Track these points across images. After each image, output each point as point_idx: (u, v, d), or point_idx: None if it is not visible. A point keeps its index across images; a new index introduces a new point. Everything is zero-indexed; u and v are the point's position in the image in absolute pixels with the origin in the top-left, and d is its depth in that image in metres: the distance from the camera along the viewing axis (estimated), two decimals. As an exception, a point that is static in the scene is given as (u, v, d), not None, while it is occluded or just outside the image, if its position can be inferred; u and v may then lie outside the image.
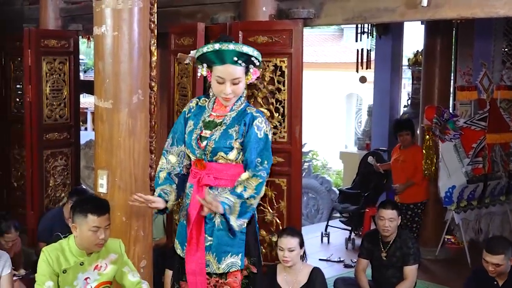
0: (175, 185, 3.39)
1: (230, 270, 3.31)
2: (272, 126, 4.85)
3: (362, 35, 8.58)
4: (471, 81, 6.95)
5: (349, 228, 7.76)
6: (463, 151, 6.66)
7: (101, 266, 3.56)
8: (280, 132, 4.92)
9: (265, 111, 4.87)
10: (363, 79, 10.54)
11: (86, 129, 19.86)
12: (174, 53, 5.31)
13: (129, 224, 4.02)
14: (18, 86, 7.17)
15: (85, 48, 13.29)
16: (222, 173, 3.28)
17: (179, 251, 3.45)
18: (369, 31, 8.77)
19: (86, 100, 16.42)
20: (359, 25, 8.39)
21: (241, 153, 3.27)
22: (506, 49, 8.16)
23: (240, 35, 4.87)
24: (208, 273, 3.32)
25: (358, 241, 7.03)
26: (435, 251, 6.89)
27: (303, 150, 6.99)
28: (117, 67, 3.93)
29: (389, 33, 9.47)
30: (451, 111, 7.01)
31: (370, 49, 9.57)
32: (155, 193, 3.42)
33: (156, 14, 4.10)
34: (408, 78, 11.73)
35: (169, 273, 4.51)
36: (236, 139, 3.25)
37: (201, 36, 4.97)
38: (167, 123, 5.45)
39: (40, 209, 6.51)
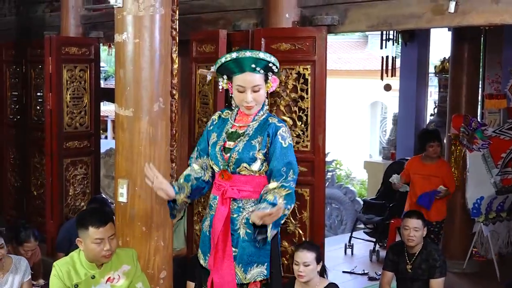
0: (190, 184, 3.40)
1: (257, 279, 3.31)
2: (295, 135, 4.83)
3: (387, 42, 8.52)
4: (500, 89, 6.84)
5: (374, 239, 7.64)
6: (492, 161, 6.51)
7: (113, 278, 3.53)
8: (303, 141, 4.86)
9: (288, 119, 4.83)
10: (388, 87, 10.46)
11: (106, 137, 19.92)
12: (195, 61, 5.28)
13: (149, 234, 3.97)
14: (38, 93, 7.16)
15: (106, 56, 13.35)
16: (246, 185, 3.29)
17: (201, 261, 3.45)
18: (394, 38, 8.72)
19: (107, 108, 16.49)
20: (384, 32, 8.31)
21: (264, 164, 3.27)
22: (535, 56, 8.01)
23: (262, 42, 4.83)
24: None
25: (382, 253, 6.91)
26: (462, 264, 6.71)
27: (327, 159, 6.91)
28: (138, 74, 3.90)
29: (415, 40, 9.39)
30: (479, 120, 6.88)
31: (395, 56, 9.51)
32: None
33: (177, 21, 4.07)
34: (435, 86, 11.63)
35: (191, 285, 4.44)
36: (259, 150, 3.26)
37: (223, 43, 4.94)
38: (188, 132, 5.42)
39: (59, 218, 6.48)
